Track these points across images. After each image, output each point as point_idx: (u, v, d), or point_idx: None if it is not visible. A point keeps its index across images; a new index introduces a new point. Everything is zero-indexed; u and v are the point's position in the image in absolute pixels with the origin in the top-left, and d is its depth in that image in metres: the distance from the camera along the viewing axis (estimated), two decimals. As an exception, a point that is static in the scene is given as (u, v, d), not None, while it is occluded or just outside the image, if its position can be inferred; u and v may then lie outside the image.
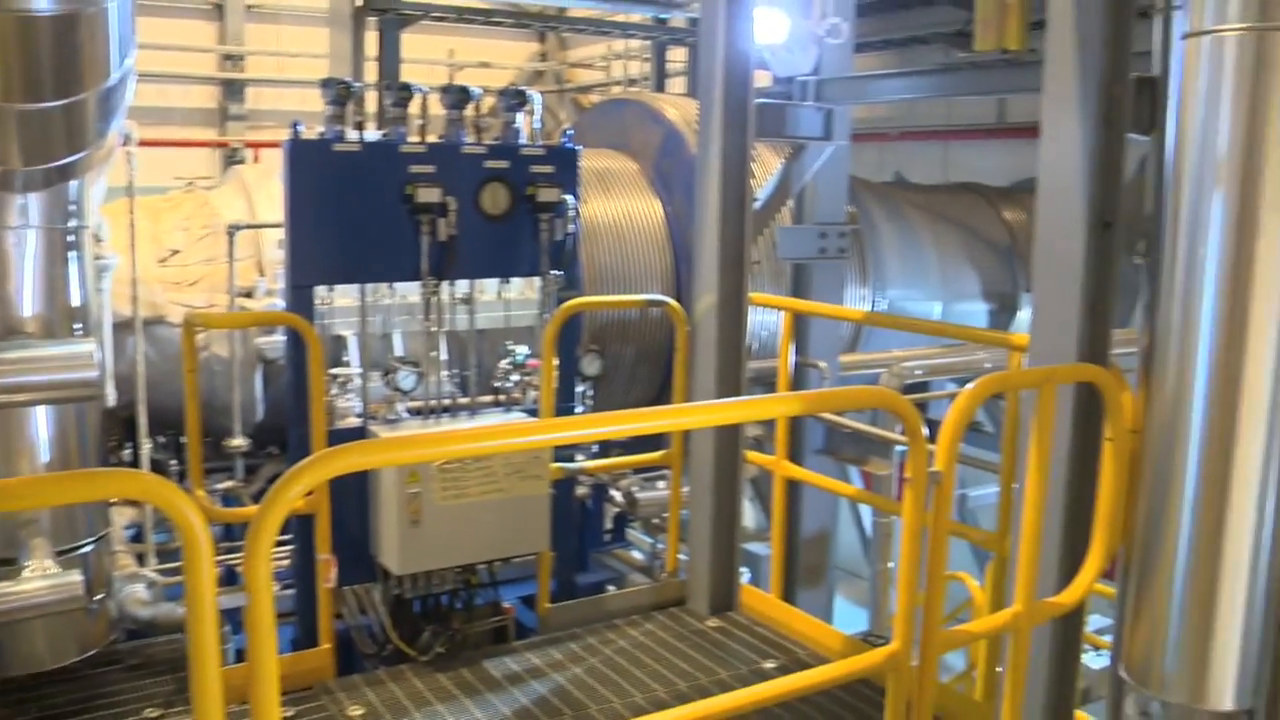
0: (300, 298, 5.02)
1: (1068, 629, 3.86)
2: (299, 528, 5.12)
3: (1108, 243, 4.06)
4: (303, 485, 2.35)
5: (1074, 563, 3.87)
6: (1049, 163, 4.05)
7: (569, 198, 5.47)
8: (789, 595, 6.30)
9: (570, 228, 5.52)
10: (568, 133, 5.77)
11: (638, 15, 12.30)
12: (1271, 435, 3.04)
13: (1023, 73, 4.86)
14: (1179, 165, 3.05)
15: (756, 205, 6.00)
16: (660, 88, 13.32)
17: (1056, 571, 3.92)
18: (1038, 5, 4.09)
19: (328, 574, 4.65)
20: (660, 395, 8.37)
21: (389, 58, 9.97)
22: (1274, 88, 2.86)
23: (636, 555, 7.94)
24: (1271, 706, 3.32)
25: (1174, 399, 3.14)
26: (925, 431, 3.36)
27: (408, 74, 8.69)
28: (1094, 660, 5.89)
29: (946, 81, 5.80)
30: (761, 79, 6.54)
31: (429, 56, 13.35)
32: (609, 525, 7.91)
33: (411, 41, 11.15)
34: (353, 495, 4.95)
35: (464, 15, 11.02)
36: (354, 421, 5.24)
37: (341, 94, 5.01)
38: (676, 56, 13.69)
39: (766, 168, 7.59)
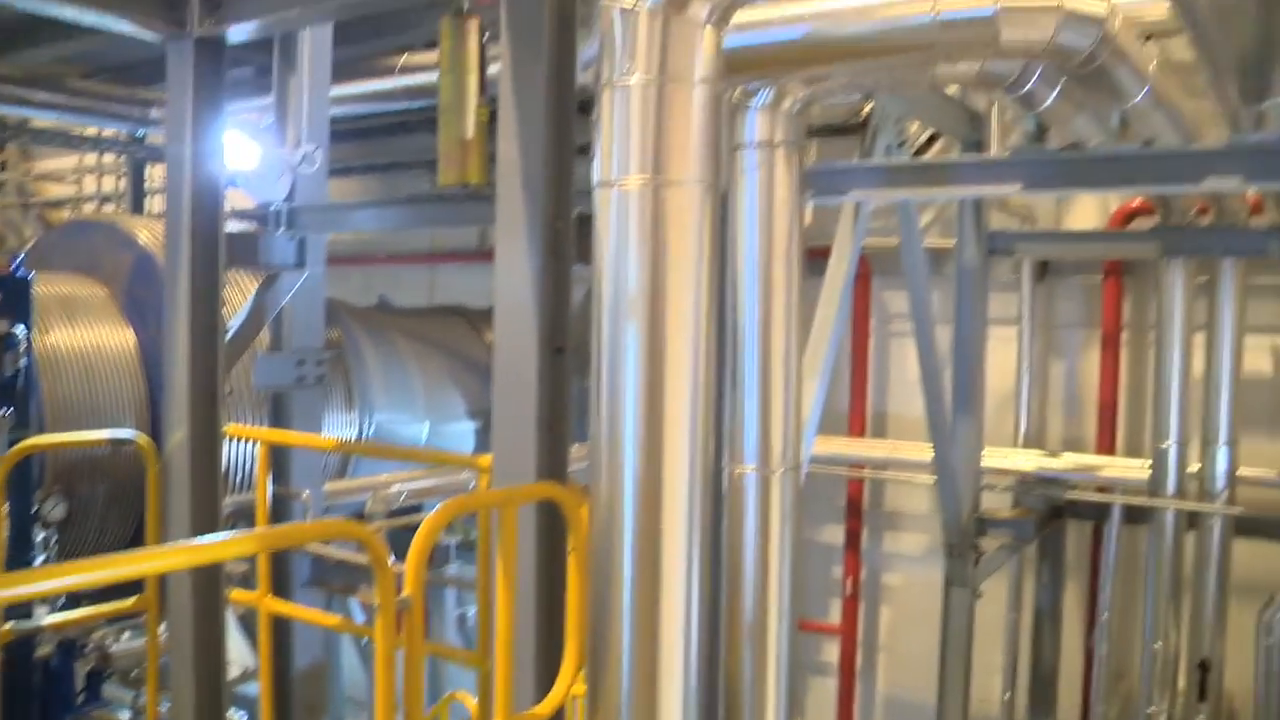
0: None
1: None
2: None
3: (560, 366, 4.40)
4: None
5: (551, 672, 4.08)
6: (504, 291, 4.34)
7: (19, 329, 5.09)
8: (284, 734, 6.09)
9: (22, 361, 5.12)
10: (18, 258, 5.39)
11: (111, 129, 11.72)
12: (691, 540, 3.41)
13: (485, 206, 5.17)
14: (600, 298, 3.40)
15: (229, 334, 5.89)
16: (138, 207, 12.72)
17: (533, 683, 4.12)
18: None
19: None
20: (138, 536, 7.85)
21: None
22: (672, 236, 3.27)
23: (121, 715, 7.31)
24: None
25: (608, 509, 3.44)
26: (391, 558, 3.44)
27: None
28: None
29: (415, 213, 6.06)
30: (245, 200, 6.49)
31: None
32: (81, 685, 7.22)
33: None
34: None
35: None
36: None
37: None
38: (158, 174, 13.17)
39: (246, 291, 7.47)
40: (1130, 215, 8.86)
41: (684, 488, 3.38)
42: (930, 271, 9.05)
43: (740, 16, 3.85)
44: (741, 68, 4.04)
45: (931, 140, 9.18)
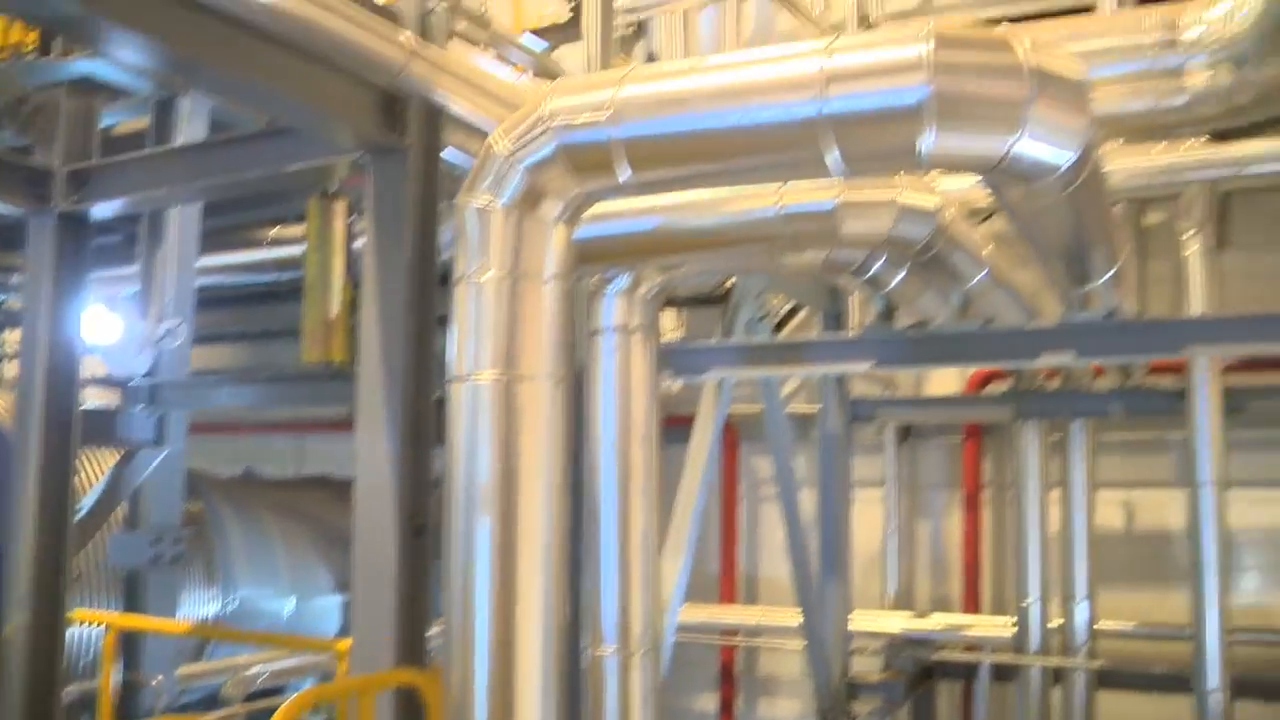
0: None
1: None
2: None
3: (420, 547, 4.37)
4: None
5: None
6: (364, 471, 4.32)
7: None
8: None
9: None
10: None
11: (-31, 294, 11.40)
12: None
13: (349, 384, 5.17)
14: (454, 488, 3.42)
15: (82, 512, 5.71)
16: (-6, 372, 12.33)
17: None
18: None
19: None
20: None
21: None
22: (524, 430, 3.33)
23: None
24: None
25: (461, 698, 3.39)
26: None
27: None
28: None
29: (278, 391, 6.04)
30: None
31: None
32: None
33: None
34: None
35: None
36: None
37: None
38: (15, 339, 12.79)
39: (104, 466, 7.25)
40: (986, 380, 9.23)
41: (538, 677, 3.36)
42: (796, 437, 9.26)
43: (596, 208, 4.00)
44: (598, 257, 4.18)
45: (795, 311, 9.49)
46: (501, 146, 3.32)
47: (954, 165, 3.04)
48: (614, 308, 4.48)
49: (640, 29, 10.06)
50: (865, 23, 8.45)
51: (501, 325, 3.33)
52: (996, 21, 8.60)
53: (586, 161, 3.22)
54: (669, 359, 5.08)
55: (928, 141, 2.88)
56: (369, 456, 4.33)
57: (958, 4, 9.41)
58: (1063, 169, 3.15)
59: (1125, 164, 6.12)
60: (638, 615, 4.57)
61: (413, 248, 4.37)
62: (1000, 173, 3.10)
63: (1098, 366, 8.23)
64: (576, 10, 8.45)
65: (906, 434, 9.75)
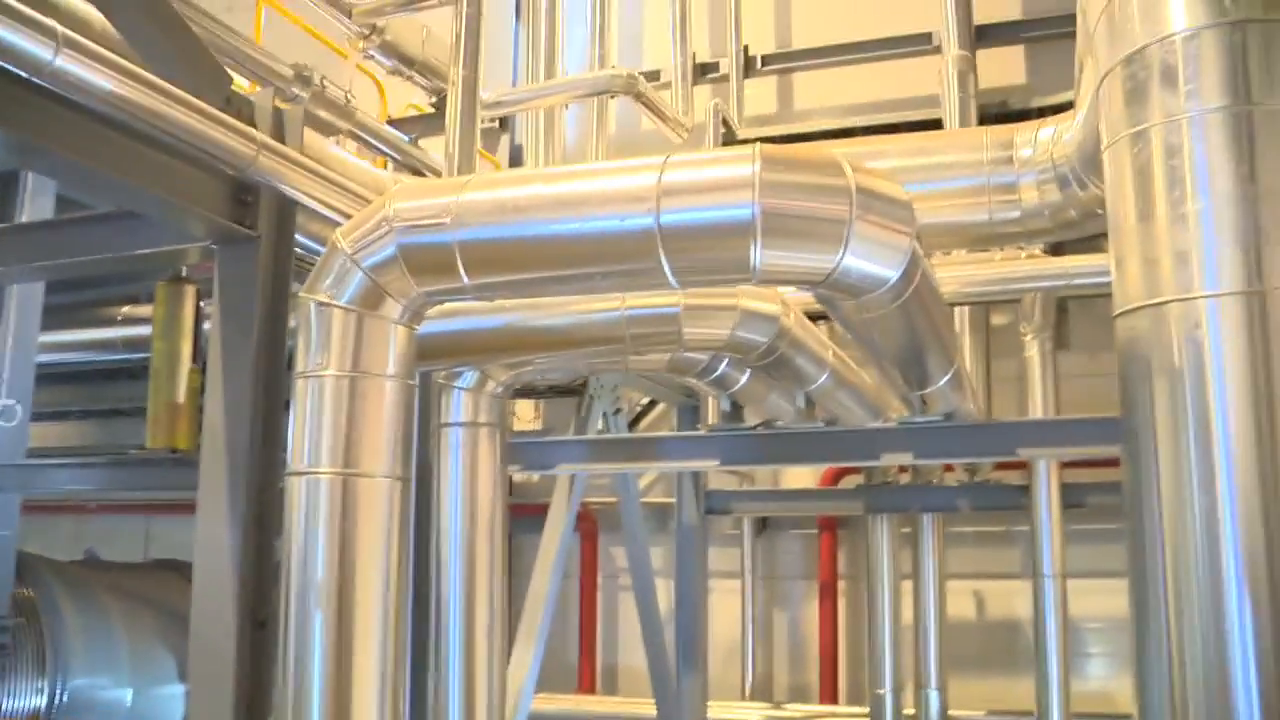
0: None
1: None
2: None
3: (261, 641, 4.27)
4: None
5: None
6: (203, 560, 4.23)
7: None
8: None
9: None
10: None
11: None
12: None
13: (193, 471, 5.07)
14: (289, 583, 3.37)
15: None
16: None
17: None
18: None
19: None
20: None
21: None
22: (361, 528, 3.31)
23: None
24: None
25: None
26: None
27: None
28: None
29: (120, 475, 5.87)
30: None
31: None
32: None
33: None
34: None
35: None
36: None
37: None
38: None
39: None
40: (840, 474, 9.44)
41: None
42: (655, 528, 9.34)
43: (442, 305, 4.04)
44: (446, 353, 4.20)
45: (653, 404, 9.61)
46: (344, 245, 3.34)
47: (784, 279, 3.16)
48: (461, 403, 4.49)
49: (504, 124, 10.20)
50: (726, 126, 8.73)
51: (340, 422, 3.32)
52: (853, 131, 9.06)
53: (427, 264, 3.26)
54: (519, 453, 5.10)
55: (757, 257, 3.00)
56: (209, 545, 4.24)
57: (814, 110, 9.81)
58: (890, 282, 3.29)
59: (967, 272, 6.41)
60: (482, 708, 4.53)
61: (260, 337, 4.34)
62: (829, 287, 3.23)
63: (946, 464, 8.51)
64: (440, 103, 8.55)
65: (764, 525, 9.88)
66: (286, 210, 4.54)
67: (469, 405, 4.48)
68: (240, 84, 6.61)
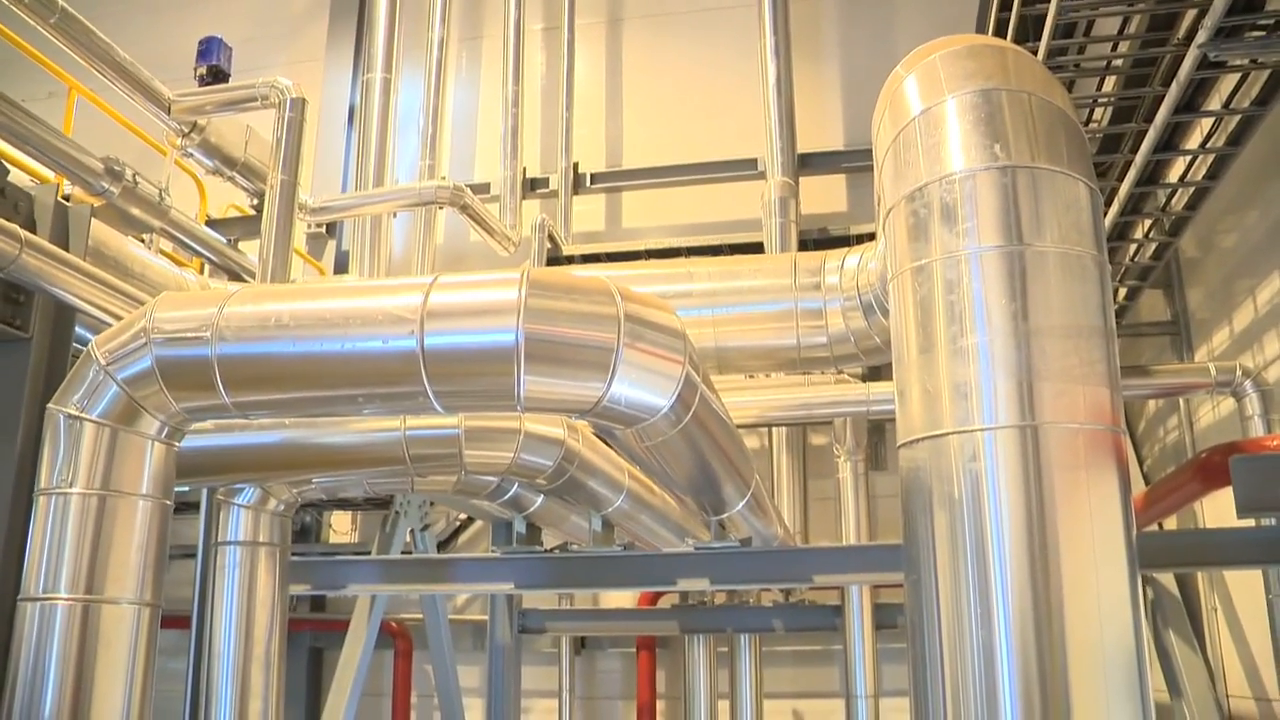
0: None
1: None
2: None
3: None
4: None
5: None
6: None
7: None
8: None
9: None
10: None
11: None
12: None
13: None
14: (10, 716, 3.12)
15: None
16: None
17: None
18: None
19: None
20: None
21: None
22: (100, 659, 3.10)
23: None
24: None
25: None
26: None
27: None
28: None
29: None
30: None
31: None
32: None
33: None
34: None
35: None
36: None
37: None
38: None
39: None
40: (657, 594, 9.39)
41: None
42: (473, 646, 9.10)
43: (219, 419, 3.89)
44: (221, 469, 4.04)
45: (470, 520, 9.45)
46: (98, 355, 3.19)
47: (551, 408, 3.12)
48: (240, 521, 4.32)
49: (331, 230, 10.10)
50: (552, 240, 8.80)
51: (84, 544, 3.13)
52: (679, 251, 9.21)
53: (185, 379, 3.13)
54: (308, 572, 4.91)
55: (521, 384, 2.96)
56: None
57: (642, 229, 9.98)
58: (663, 410, 3.29)
59: (768, 398, 6.52)
60: None
61: (24, 445, 4.10)
62: (600, 415, 3.20)
63: (761, 584, 8.53)
64: (262, 205, 8.42)
65: (582, 644, 9.74)
66: (65, 313, 4.35)
67: (249, 523, 4.31)
68: (45, 175, 6.37)
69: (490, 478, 4.37)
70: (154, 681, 3.22)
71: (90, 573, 3.12)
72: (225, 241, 8.14)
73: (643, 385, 3.15)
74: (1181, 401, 7.70)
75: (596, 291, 3.10)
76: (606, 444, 4.75)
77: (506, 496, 4.63)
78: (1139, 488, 6.31)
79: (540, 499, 4.79)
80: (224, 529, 4.33)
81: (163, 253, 7.13)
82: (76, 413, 3.19)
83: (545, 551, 4.93)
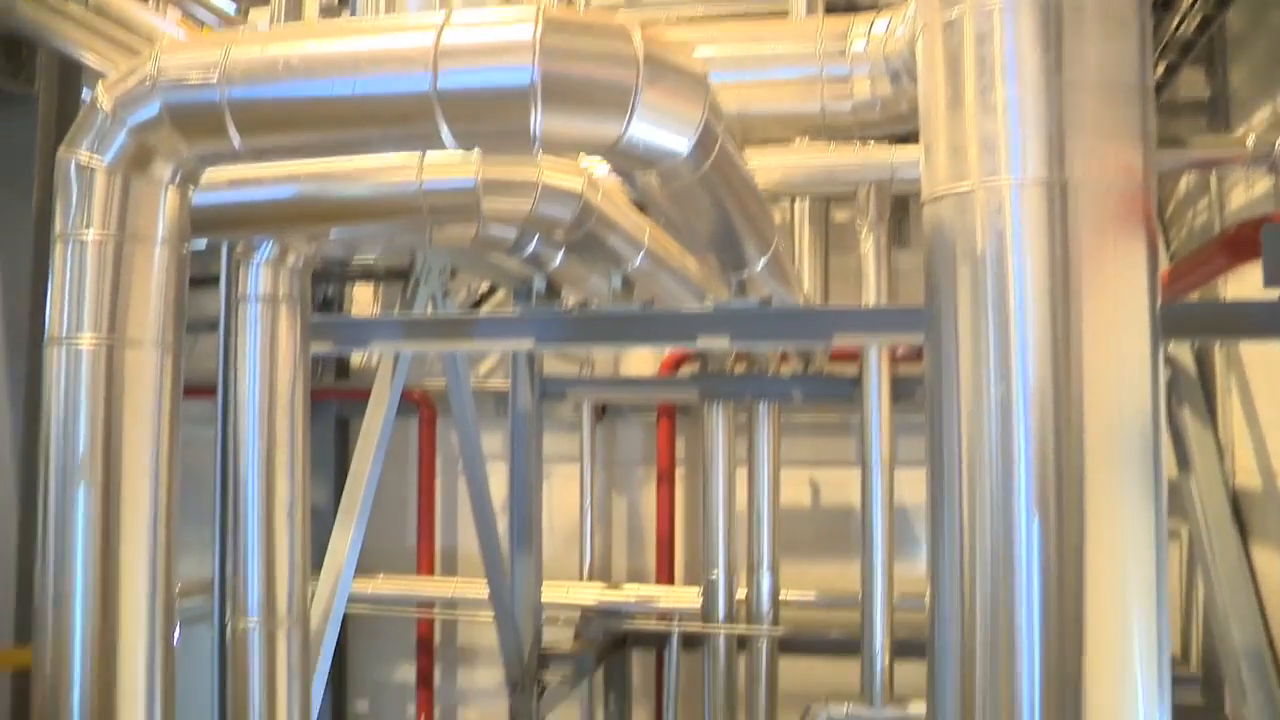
0: None
1: None
2: None
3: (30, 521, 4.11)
4: None
5: None
6: None
7: None
8: None
9: None
10: None
11: None
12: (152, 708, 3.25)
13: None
14: (48, 458, 3.21)
15: None
16: None
17: None
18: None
19: None
20: None
21: None
22: (127, 399, 3.17)
23: None
24: None
25: (54, 673, 3.20)
26: None
27: None
28: None
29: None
30: None
31: None
32: None
33: None
34: None
35: None
36: None
37: None
38: None
39: None
40: (679, 362, 9.50)
41: (141, 655, 3.22)
42: (495, 412, 9.30)
43: (233, 173, 3.85)
44: (237, 223, 4.03)
45: (494, 289, 9.50)
46: (105, 102, 3.14)
47: (568, 147, 3.07)
48: (260, 277, 4.34)
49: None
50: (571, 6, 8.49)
51: (104, 288, 3.16)
52: (698, 19, 8.88)
53: (195, 123, 3.07)
54: (330, 331, 4.97)
55: (538, 123, 2.90)
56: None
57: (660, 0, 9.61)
58: (684, 154, 3.23)
59: (790, 160, 6.40)
60: (282, 587, 4.47)
61: (40, 201, 4.11)
62: (619, 156, 3.15)
63: (783, 353, 8.60)
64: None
65: (603, 412, 9.94)
66: (71, 69, 4.28)
67: (268, 279, 4.33)
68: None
69: (511, 232, 4.34)
70: (180, 426, 3.30)
71: (111, 315, 3.16)
72: (233, 10, 7.91)
73: (662, 126, 3.08)
74: (1213, 182, 7.52)
75: (613, 31, 3.00)
76: (626, 204, 4.71)
77: (526, 252, 4.62)
78: (1164, 267, 6.25)
79: (560, 255, 4.77)
80: (244, 285, 4.36)
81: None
82: (86, 159, 3.16)
83: (563, 309, 4.95)
